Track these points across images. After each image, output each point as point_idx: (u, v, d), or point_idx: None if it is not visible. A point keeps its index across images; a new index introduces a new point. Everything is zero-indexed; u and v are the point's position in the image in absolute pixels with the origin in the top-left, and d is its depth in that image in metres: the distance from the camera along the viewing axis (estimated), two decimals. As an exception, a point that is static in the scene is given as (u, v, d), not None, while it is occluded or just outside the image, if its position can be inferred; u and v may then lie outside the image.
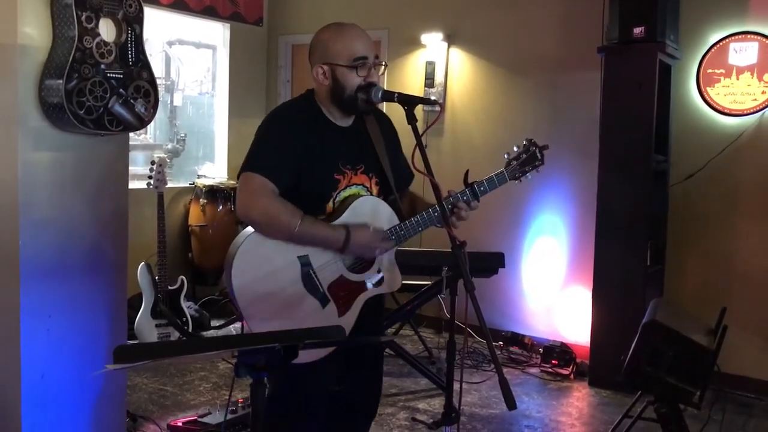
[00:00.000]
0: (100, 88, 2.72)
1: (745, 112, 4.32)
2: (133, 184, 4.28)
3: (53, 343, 2.84)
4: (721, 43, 4.38)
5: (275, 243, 2.16)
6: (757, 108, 4.29)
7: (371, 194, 2.33)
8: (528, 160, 2.38)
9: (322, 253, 2.21)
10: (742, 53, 4.32)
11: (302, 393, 2.24)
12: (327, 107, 2.28)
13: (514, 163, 2.37)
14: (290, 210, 2.15)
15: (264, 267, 2.16)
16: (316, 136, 2.24)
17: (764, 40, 4.25)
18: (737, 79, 4.34)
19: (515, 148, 2.39)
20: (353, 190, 2.29)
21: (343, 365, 2.31)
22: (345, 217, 2.23)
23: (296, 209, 2.16)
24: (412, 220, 2.27)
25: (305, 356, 2.09)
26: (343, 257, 2.24)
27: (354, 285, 2.27)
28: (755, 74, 4.29)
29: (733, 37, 4.34)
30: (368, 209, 2.27)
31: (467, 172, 2.31)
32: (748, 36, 4.30)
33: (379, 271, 2.32)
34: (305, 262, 2.19)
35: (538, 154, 2.38)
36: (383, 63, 2.32)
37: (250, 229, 2.20)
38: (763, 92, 4.27)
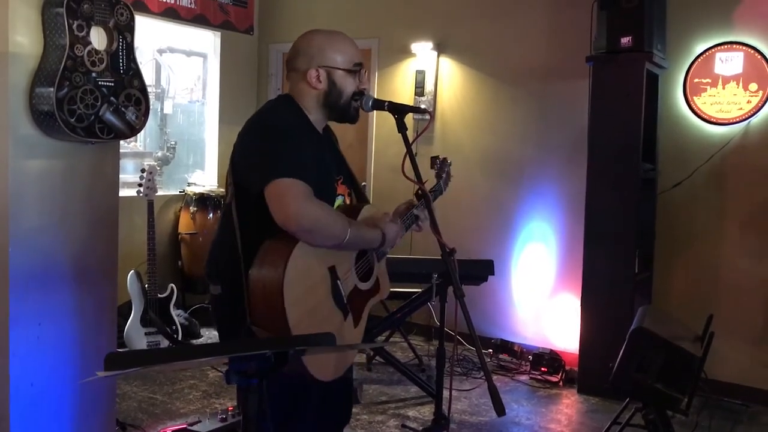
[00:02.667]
0: (91, 96, 2.72)
1: (731, 121, 4.37)
2: (123, 192, 4.27)
3: (43, 350, 2.83)
4: (707, 53, 4.43)
5: (314, 254, 2.04)
6: (743, 117, 4.34)
7: (346, 204, 2.33)
8: (448, 175, 2.67)
9: (343, 263, 2.15)
10: (728, 63, 4.37)
11: (294, 400, 2.23)
12: (312, 113, 2.23)
13: (443, 176, 2.61)
14: (340, 216, 2.09)
15: (306, 281, 2.03)
16: (315, 144, 2.21)
17: (749, 50, 4.30)
18: (723, 88, 4.39)
19: (437, 166, 2.67)
20: (338, 200, 2.28)
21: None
22: None
23: (342, 214, 2.11)
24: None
25: (328, 372, 2.09)
26: (356, 266, 2.22)
27: (364, 294, 2.25)
28: (741, 84, 4.34)
29: (719, 47, 4.39)
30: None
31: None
32: (734, 46, 4.35)
33: (377, 279, 2.32)
34: (334, 274, 2.10)
35: (450, 170, 2.68)
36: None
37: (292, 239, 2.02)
38: (749, 101, 4.32)
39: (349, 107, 2.22)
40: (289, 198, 1.98)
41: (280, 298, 1.92)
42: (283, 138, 2.08)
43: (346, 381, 2.42)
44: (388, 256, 2.37)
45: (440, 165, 2.64)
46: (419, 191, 2.28)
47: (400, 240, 2.29)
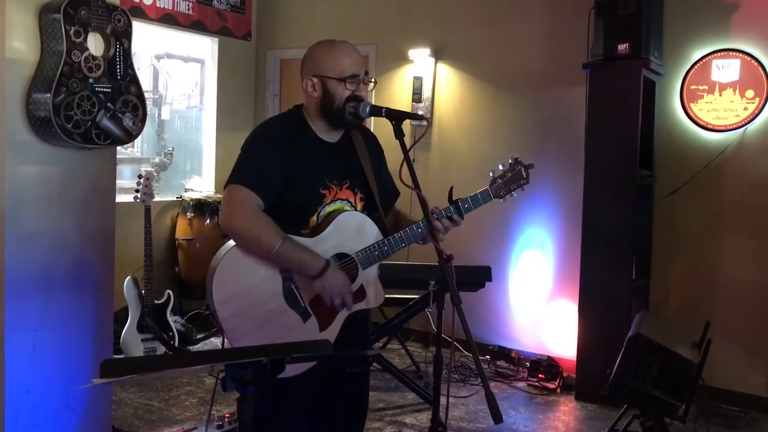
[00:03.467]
0: (88, 102, 2.72)
1: (728, 127, 4.38)
2: (120, 198, 4.27)
3: (38, 357, 2.82)
4: (704, 60, 4.44)
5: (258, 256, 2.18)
6: (740, 124, 4.34)
7: (355, 209, 2.34)
8: (513, 179, 2.41)
9: None
10: (725, 70, 4.38)
11: (285, 406, 2.23)
12: (315, 121, 2.30)
13: (499, 181, 2.41)
14: (273, 230, 2.15)
15: (246, 280, 2.16)
16: (303, 151, 2.25)
17: (746, 57, 4.32)
18: (720, 95, 4.40)
19: (500, 167, 2.42)
20: (338, 205, 2.30)
21: (326, 378, 2.31)
22: (329, 232, 2.24)
23: (279, 230, 2.15)
24: (396, 236, 2.29)
25: (289, 370, 2.10)
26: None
27: None
28: (737, 91, 4.35)
29: (715, 54, 4.40)
30: (353, 224, 2.29)
31: (452, 189, 2.35)
32: (731, 53, 4.36)
33: (361, 286, 2.32)
34: (287, 277, 2.20)
35: (524, 173, 2.42)
36: (373, 80, 2.35)
37: (232, 241, 2.21)
38: (745, 108, 4.33)
39: (343, 113, 2.26)
40: (229, 203, 2.18)
41: (211, 293, 2.14)
42: (254, 148, 2.25)
43: (350, 388, 2.42)
44: (385, 262, 2.37)
45: (504, 168, 2.42)
46: (449, 196, 2.33)
47: (345, 304, 2.22)
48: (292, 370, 2.10)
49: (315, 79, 2.25)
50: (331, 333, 2.26)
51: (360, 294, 2.32)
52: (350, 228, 2.28)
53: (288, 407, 2.25)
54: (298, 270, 2.19)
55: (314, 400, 2.32)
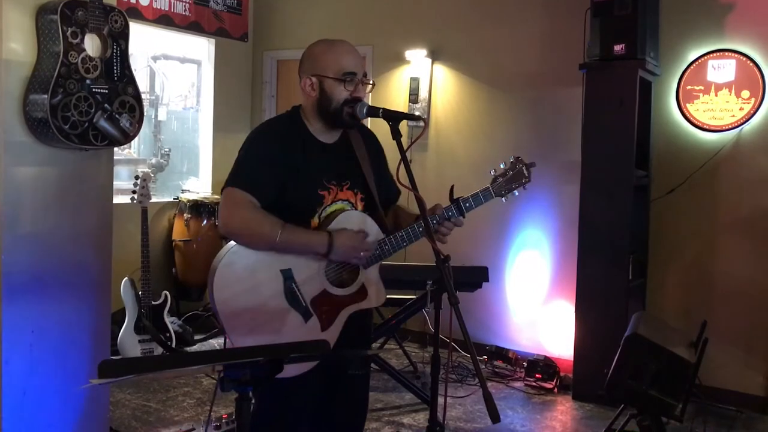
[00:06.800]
0: (85, 103, 2.72)
1: (723, 127, 4.39)
2: (117, 199, 4.27)
3: (35, 358, 2.82)
4: (699, 60, 4.45)
5: (258, 256, 2.18)
6: (736, 124, 4.36)
7: (356, 209, 2.34)
8: (514, 177, 2.39)
9: (306, 266, 2.22)
10: (720, 70, 4.39)
11: (286, 407, 2.24)
12: (312, 122, 2.30)
13: (501, 179, 2.38)
14: (270, 220, 2.17)
15: (247, 281, 2.17)
16: (300, 152, 2.26)
17: (741, 57, 4.33)
18: (716, 95, 4.41)
19: (501, 165, 2.41)
20: (339, 205, 2.31)
21: (328, 380, 2.32)
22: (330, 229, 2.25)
23: (276, 219, 2.18)
24: (397, 236, 2.29)
25: (291, 370, 2.10)
26: (326, 270, 2.25)
27: (337, 299, 2.28)
28: (733, 91, 4.36)
29: (711, 55, 4.42)
30: (354, 224, 2.29)
31: (452, 187, 2.34)
32: (726, 53, 4.37)
33: (362, 286, 2.32)
34: (288, 276, 2.20)
35: (525, 172, 2.39)
36: (371, 82, 2.35)
37: (233, 242, 2.21)
38: (741, 108, 4.34)
39: (340, 114, 2.26)
40: (224, 205, 2.21)
41: (212, 293, 2.16)
42: (251, 150, 2.26)
43: (351, 391, 2.42)
44: (383, 263, 2.37)
45: (505, 167, 2.40)
46: (450, 194, 2.33)
47: (367, 253, 2.25)
48: (291, 370, 2.12)
49: (313, 79, 2.25)
50: (333, 333, 2.27)
51: (362, 293, 2.32)
52: (351, 227, 2.28)
53: (288, 409, 2.25)
54: (307, 250, 2.21)
55: (315, 402, 2.33)
